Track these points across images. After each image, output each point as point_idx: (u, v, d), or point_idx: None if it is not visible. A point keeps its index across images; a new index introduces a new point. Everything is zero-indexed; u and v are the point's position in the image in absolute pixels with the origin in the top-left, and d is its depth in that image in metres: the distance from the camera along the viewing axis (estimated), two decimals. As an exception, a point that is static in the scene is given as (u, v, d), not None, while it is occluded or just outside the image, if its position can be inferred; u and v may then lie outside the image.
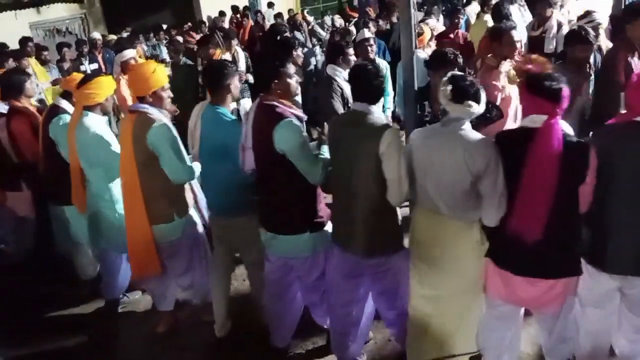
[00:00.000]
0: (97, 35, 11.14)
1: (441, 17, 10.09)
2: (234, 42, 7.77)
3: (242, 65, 7.54)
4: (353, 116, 3.21)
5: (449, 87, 2.90)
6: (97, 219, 4.22)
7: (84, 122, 4.00)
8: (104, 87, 4.08)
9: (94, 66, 9.13)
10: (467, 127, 2.93)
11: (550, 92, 2.65)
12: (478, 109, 2.88)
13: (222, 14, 14.24)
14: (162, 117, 3.68)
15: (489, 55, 4.70)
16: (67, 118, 4.31)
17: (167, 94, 3.76)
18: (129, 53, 6.42)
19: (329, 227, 3.46)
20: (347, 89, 4.63)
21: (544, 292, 2.86)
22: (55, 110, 4.42)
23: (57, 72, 8.76)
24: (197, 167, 3.72)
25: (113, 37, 11.25)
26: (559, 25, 6.46)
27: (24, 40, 8.93)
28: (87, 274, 4.87)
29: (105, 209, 4.16)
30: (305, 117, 3.38)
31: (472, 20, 9.47)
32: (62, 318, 4.64)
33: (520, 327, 3.22)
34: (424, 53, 6.10)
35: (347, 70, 4.71)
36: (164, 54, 11.16)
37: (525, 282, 2.86)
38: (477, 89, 2.90)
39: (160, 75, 3.73)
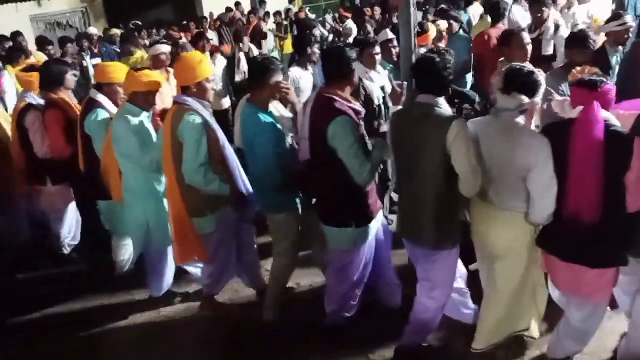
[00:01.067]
0: (93, 30, 11.16)
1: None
2: (246, 39, 7.77)
3: (244, 65, 7.41)
4: (419, 108, 3.14)
5: (501, 77, 2.99)
6: (138, 213, 4.14)
7: (121, 115, 3.95)
8: (157, 77, 4.07)
9: (97, 61, 8.89)
10: (520, 119, 2.96)
11: (587, 82, 2.80)
12: (528, 102, 2.91)
13: (229, 10, 14.11)
14: (200, 109, 3.65)
15: (501, 59, 4.74)
16: (103, 113, 4.26)
17: (211, 86, 3.76)
18: (162, 48, 6.19)
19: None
20: (372, 88, 4.59)
21: (591, 280, 2.92)
22: (92, 105, 4.33)
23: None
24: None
25: (116, 31, 11.25)
26: (556, 27, 6.52)
27: (14, 36, 8.86)
28: (122, 269, 4.78)
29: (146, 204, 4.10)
30: (363, 111, 3.40)
31: (475, 21, 9.60)
32: (52, 318, 4.55)
33: None
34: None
35: (373, 71, 4.72)
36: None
37: (573, 269, 2.94)
38: (532, 81, 2.91)
39: (206, 66, 3.71)
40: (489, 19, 8.07)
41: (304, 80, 5.27)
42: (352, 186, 3.28)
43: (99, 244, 4.95)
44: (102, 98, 4.33)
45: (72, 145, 4.59)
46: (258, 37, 11.17)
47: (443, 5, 8.73)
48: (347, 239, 3.42)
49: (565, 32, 6.68)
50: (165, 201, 4.03)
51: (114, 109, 4.30)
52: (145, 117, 4.02)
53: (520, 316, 3.39)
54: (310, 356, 3.82)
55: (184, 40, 8.74)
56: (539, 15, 6.59)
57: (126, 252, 4.74)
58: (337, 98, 3.27)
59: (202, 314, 4.29)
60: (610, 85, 2.82)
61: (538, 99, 2.98)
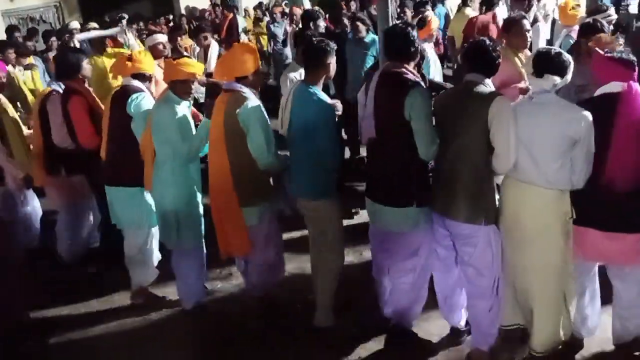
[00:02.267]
0: (75, 24, 11.05)
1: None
2: (207, 35, 7.69)
3: (214, 60, 7.39)
4: (465, 86, 3.26)
5: (531, 62, 3.16)
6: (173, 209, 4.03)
7: (164, 102, 3.94)
8: (196, 66, 4.04)
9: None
10: (557, 98, 3.11)
11: (627, 61, 3.08)
12: (560, 81, 3.05)
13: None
14: (255, 98, 3.68)
15: (501, 46, 4.80)
16: (146, 96, 4.21)
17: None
18: (159, 37, 6.22)
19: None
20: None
21: (629, 247, 3.12)
22: (129, 90, 4.23)
23: (40, 62, 8.37)
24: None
25: (94, 25, 11.10)
26: (535, 20, 6.84)
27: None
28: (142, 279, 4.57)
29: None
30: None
31: (452, 14, 9.86)
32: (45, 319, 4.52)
33: (596, 282, 3.47)
34: (430, 47, 6.00)
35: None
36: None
37: (610, 237, 3.12)
38: (561, 61, 3.06)
39: (257, 56, 3.77)
40: (467, 11, 8.43)
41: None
42: (417, 163, 3.31)
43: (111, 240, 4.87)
44: (138, 84, 4.30)
45: (98, 135, 4.50)
46: (235, 32, 11.31)
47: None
48: (408, 219, 3.36)
49: (543, 26, 7.05)
50: (199, 194, 4.07)
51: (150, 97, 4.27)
52: (185, 106, 4.03)
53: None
54: (304, 354, 3.87)
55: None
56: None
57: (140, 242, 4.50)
58: (407, 71, 3.32)
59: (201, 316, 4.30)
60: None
61: (569, 77, 3.11)
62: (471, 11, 8.36)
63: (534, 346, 3.34)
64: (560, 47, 5.75)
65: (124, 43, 7.01)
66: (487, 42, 3.27)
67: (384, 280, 3.73)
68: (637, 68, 3.09)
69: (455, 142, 3.19)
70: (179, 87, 3.97)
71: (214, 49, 7.70)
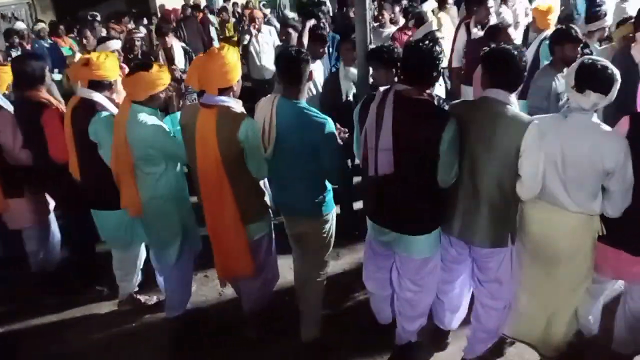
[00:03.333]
0: (21, 25, 10.71)
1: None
2: (171, 34, 7.38)
3: (179, 62, 7.11)
4: (489, 105, 2.96)
5: (573, 74, 2.84)
6: (161, 221, 3.82)
7: (138, 116, 3.59)
8: (165, 77, 3.72)
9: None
10: (595, 118, 2.86)
11: None
12: (603, 101, 2.79)
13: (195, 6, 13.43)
14: (242, 108, 3.44)
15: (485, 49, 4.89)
16: (107, 116, 3.83)
17: None
18: (114, 44, 5.83)
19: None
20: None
21: None
22: (90, 106, 3.86)
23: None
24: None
25: (42, 25, 10.47)
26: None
27: None
28: (129, 286, 4.47)
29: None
30: None
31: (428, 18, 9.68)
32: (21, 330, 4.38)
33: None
34: None
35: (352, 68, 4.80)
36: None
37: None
38: (607, 77, 2.76)
39: (239, 63, 3.46)
40: (440, 15, 8.23)
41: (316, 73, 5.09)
42: (437, 188, 3.10)
43: (87, 256, 4.75)
44: (100, 98, 3.90)
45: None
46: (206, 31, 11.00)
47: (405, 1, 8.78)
48: (431, 243, 3.24)
49: (513, 32, 6.91)
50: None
51: (114, 110, 3.90)
52: (159, 115, 3.77)
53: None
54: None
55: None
56: (486, 14, 6.82)
57: (135, 268, 4.42)
58: (431, 99, 3.02)
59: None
60: None
61: (613, 95, 2.81)
62: (446, 16, 8.14)
63: (546, 352, 3.41)
64: (538, 51, 5.67)
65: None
66: (515, 52, 2.91)
67: (384, 294, 3.68)
68: None
69: (481, 168, 2.98)
70: (150, 100, 3.69)
71: (177, 50, 7.29)
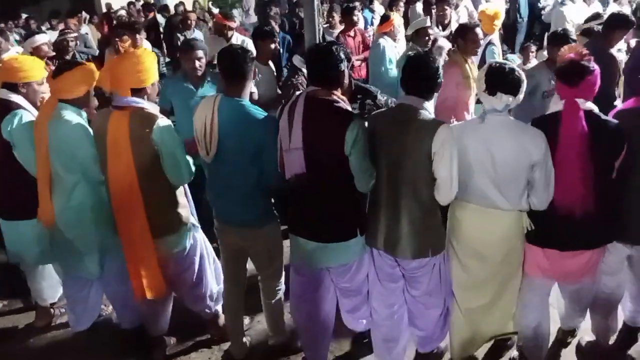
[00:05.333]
0: None
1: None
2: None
3: None
4: (402, 111, 2.96)
5: (483, 78, 2.90)
6: (78, 236, 3.49)
7: (63, 115, 3.30)
8: (89, 77, 3.43)
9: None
10: (509, 119, 2.94)
11: (565, 77, 2.92)
12: (512, 101, 2.86)
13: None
14: (158, 112, 3.22)
15: (452, 49, 5.04)
16: (25, 115, 3.54)
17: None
18: (41, 38, 5.48)
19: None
20: None
21: (585, 263, 3.10)
22: (5, 105, 3.58)
23: None
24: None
25: None
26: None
27: None
28: (45, 298, 4.16)
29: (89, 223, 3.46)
30: None
31: (377, 20, 9.81)
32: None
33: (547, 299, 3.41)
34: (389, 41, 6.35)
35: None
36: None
37: (570, 255, 3.07)
38: (515, 80, 2.84)
39: (156, 65, 3.27)
40: (393, 16, 8.38)
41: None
42: (354, 193, 3.03)
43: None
44: (18, 98, 3.62)
45: None
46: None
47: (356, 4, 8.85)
48: (353, 250, 3.14)
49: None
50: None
51: (34, 111, 3.63)
52: (85, 118, 3.45)
53: (509, 317, 3.40)
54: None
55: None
56: (441, 13, 7.06)
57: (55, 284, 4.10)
58: (338, 99, 2.95)
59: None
60: (588, 76, 2.89)
61: (521, 96, 2.92)
62: (398, 17, 8.31)
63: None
64: (484, 54, 5.90)
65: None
66: (431, 59, 2.94)
67: (316, 326, 3.45)
68: (581, 83, 2.92)
69: (397, 176, 2.95)
70: (79, 99, 3.42)
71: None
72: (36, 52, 5.28)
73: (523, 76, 2.92)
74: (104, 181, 3.31)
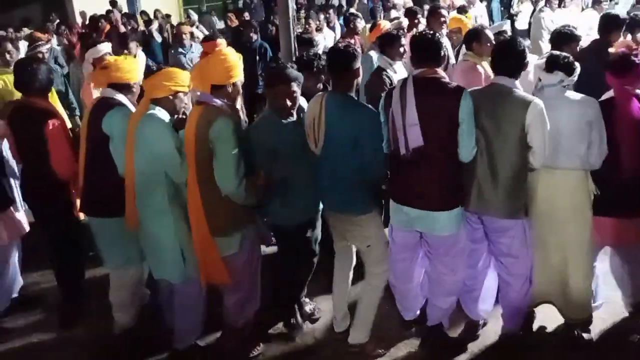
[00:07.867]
0: None
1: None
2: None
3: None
4: (497, 89, 3.36)
5: (543, 60, 3.47)
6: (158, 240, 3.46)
7: (153, 115, 3.30)
8: (181, 79, 3.41)
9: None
10: (563, 89, 3.45)
11: (615, 68, 3.53)
12: (567, 79, 3.41)
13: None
14: (229, 112, 3.24)
15: (468, 52, 5.23)
16: (128, 111, 3.51)
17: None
18: (104, 48, 5.24)
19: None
20: (395, 78, 4.67)
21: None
22: (108, 103, 3.56)
23: None
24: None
25: None
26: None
27: None
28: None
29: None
30: None
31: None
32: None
33: None
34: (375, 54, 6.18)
35: (398, 62, 4.93)
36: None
37: (625, 222, 3.55)
38: (569, 63, 3.42)
39: (239, 66, 3.32)
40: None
41: None
42: (459, 165, 3.34)
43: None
44: (120, 97, 3.60)
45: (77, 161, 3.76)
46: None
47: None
48: (454, 221, 3.37)
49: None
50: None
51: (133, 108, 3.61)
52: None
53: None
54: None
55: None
56: (415, 21, 6.99)
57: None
58: (443, 76, 3.33)
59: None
60: (633, 67, 3.49)
61: (575, 77, 3.46)
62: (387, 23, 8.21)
63: (570, 314, 3.68)
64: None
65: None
66: (514, 42, 3.38)
67: (408, 286, 3.75)
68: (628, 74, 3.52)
69: (493, 145, 3.30)
70: (168, 100, 3.39)
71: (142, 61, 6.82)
72: (99, 62, 4.89)
73: (577, 65, 3.46)
74: (186, 183, 3.31)
